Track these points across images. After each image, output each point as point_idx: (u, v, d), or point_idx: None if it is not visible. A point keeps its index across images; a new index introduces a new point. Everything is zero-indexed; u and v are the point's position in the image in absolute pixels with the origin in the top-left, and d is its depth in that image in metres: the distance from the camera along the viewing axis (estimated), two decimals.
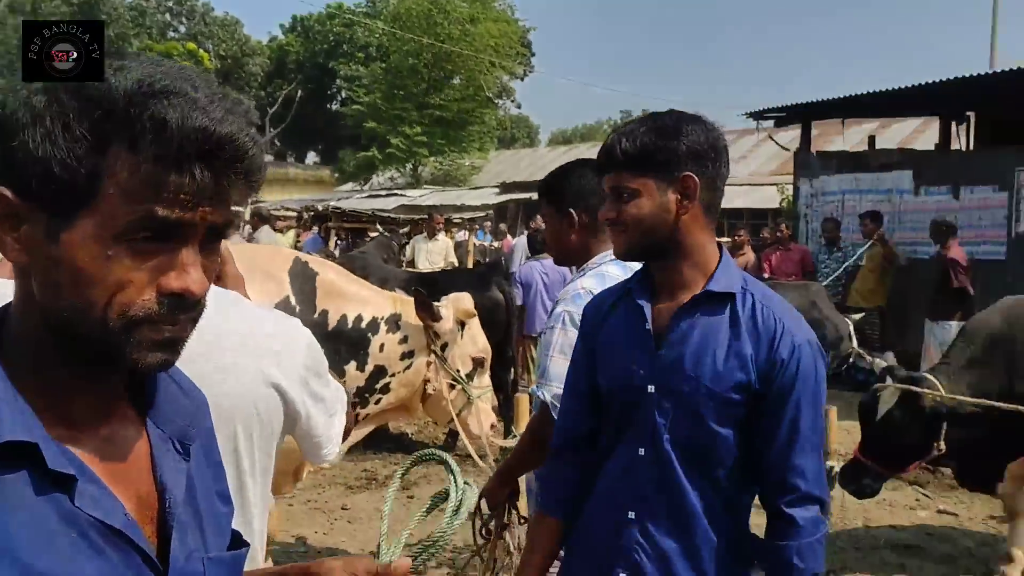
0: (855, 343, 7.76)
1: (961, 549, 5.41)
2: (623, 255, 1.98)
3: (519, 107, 50.26)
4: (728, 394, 1.83)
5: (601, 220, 2.03)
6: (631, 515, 1.91)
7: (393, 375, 4.15)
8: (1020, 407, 4.21)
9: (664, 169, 1.85)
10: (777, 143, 15.37)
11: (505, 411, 6.52)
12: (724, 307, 1.87)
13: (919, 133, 21.32)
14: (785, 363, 1.81)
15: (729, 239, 11.76)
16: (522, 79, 38.01)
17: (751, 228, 18.28)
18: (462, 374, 4.22)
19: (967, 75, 10.37)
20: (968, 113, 13.42)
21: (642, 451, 1.90)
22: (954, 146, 13.28)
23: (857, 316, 8.27)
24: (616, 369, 1.96)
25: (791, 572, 1.81)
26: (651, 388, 1.88)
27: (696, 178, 1.85)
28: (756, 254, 11.14)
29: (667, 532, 1.88)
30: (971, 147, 13.29)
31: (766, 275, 9.83)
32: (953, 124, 13.36)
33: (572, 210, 2.68)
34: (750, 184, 21.68)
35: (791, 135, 16.82)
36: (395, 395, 4.17)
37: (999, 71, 11.92)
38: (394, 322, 4.19)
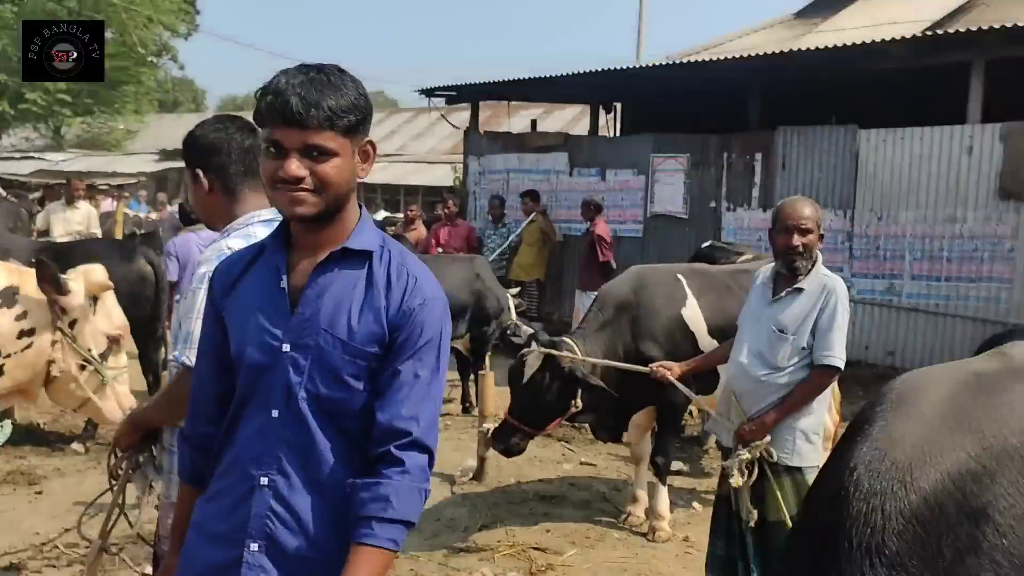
0: (514, 314, 8.24)
1: (597, 495, 5.99)
2: (312, 218, 1.84)
3: (182, 68, 46.73)
4: (364, 347, 1.84)
5: (286, 176, 1.79)
6: (264, 481, 1.84)
7: (8, 356, 3.70)
8: (640, 367, 4.70)
9: (357, 131, 1.82)
10: (450, 123, 15.86)
11: (155, 392, 6.11)
12: (363, 264, 1.88)
13: (577, 120, 23.16)
14: (414, 313, 1.85)
15: (402, 215, 11.98)
16: (186, 38, 35.25)
17: (428, 205, 18.83)
18: (95, 353, 3.86)
19: (615, 67, 11.40)
20: (616, 103, 14.81)
21: (276, 413, 1.85)
22: (603, 132, 14.58)
23: (514, 291, 8.80)
24: (248, 330, 1.89)
25: (385, 510, 1.76)
26: (286, 348, 1.84)
27: (373, 143, 1.88)
28: (427, 229, 11.43)
29: (304, 495, 1.84)
30: (617, 133, 14.69)
31: (435, 250, 10.13)
32: (603, 111, 14.65)
33: (200, 172, 2.55)
34: (427, 162, 22.17)
35: (466, 115, 17.52)
36: (11, 378, 3.73)
37: (642, 65, 13.27)
38: (9, 295, 3.74)
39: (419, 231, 11.24)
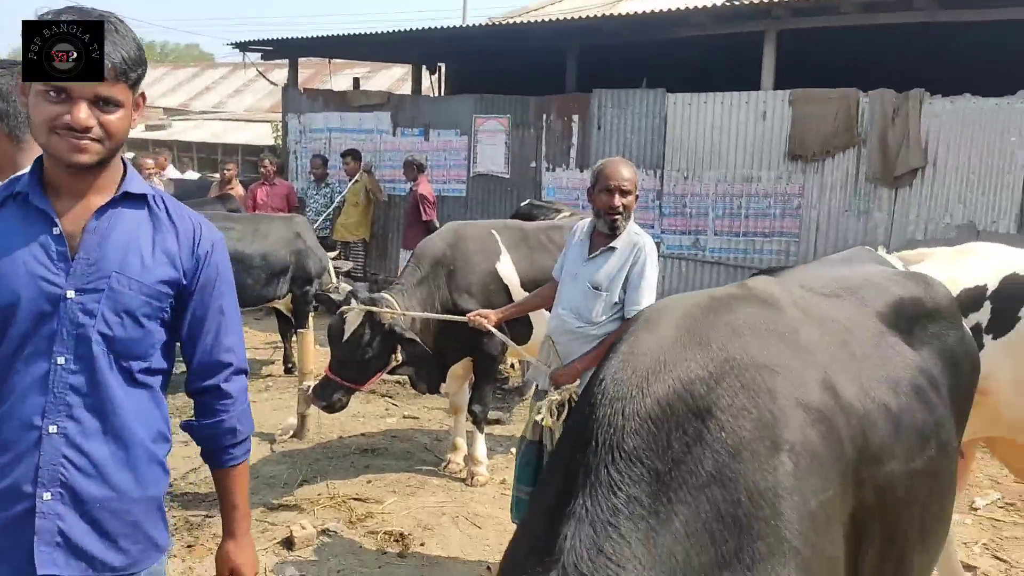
0: (334, 277, 8.19)
1: (418, 446, 6.15)
2: (92, 166, 1.84)
3: None
4: (158, 287, 1.91)
5: (73, 124, 1.75)
6: (52, 429, 1.82)
7: None
8: (458, 317, 4.85)
9: (139, 83, 1.86)
10: (268, 79, 15.36)
11: None
12: (142, 207, 1.94)
13: (403, 81, 22.96)
14: (208, 256, 1.99)
15: (219, 174, 11.55)
16: None
17: (248, 164, 18.19)
18: None
19: (438, 27, 11.41)
20: (440, 64, 14.81)
21: (62, 360, 1.83)
22: (428, 93, 14.57)
23: (333, 254, 8.74)
24: (18, 280, 1.83)
25: (235, 437, 2.06)
26: (71, 294, 1.83)
27: (144, 94, 1.91)
28: (245, 189, 11.10)
29: (100, 440, 1.85)
30: (441, 93, 14.72)
31: (253, 210, 9.87)
32: (427, 72, 14.63)
33: None
34: (245, 119, 21.36)
35: (286, 73, 17.00)
36: None
37: (464, 26, 13.31)
38: None
39: (236, 190, 10.90)
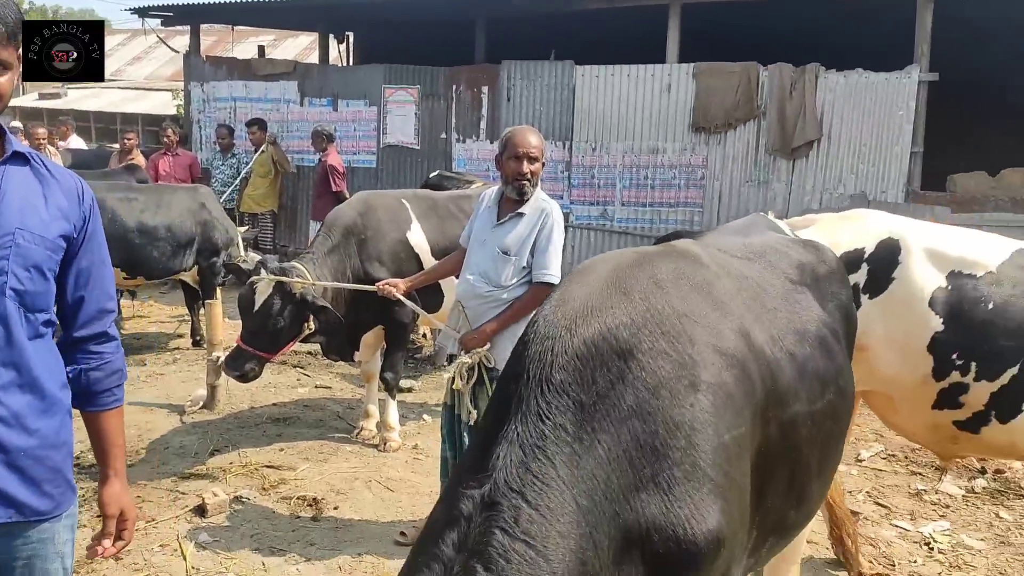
0: (242, 250, 8.06)
1: (331, 414, 6.18)
2: None
3: None
4: (57, 241, 1.98)
5: None
6: None
7: None
8: (368, 286, 4.89)
9: (20, 45, 1.89)
10: (168, 46, 14.88)
11: None
12: (26, 167, 1.98)
13: (311, 51, 22.51)
14: (91, 210, 2.08)
15: (118, 144, 11.17)
16: None
17: (149, 135, 17.59)
18: None
19: None
20: (348, 33, 14.61)
21: None
22: (335, 61, 14.35)
23: (243, 229, 8.60)
24: None
25: (120, 378, 2.16)
26: None
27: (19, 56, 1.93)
28: (146, 159, 10.78)
29: (16, 391, 1.91)
30: (349, 63, 14.54)
31: (156, 182, 9.61)
32: (334, 41, 14.41)
33: None
34: (145, 88, 20.64)
35: (188, 40, 16.48)
36: None
37: None
38: None
39: (137, 160, 10.56)
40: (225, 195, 10.13)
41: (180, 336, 8.31)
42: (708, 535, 1.81)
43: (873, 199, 8.89)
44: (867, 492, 5.13)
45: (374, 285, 4.68)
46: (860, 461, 5.58)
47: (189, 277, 7.92)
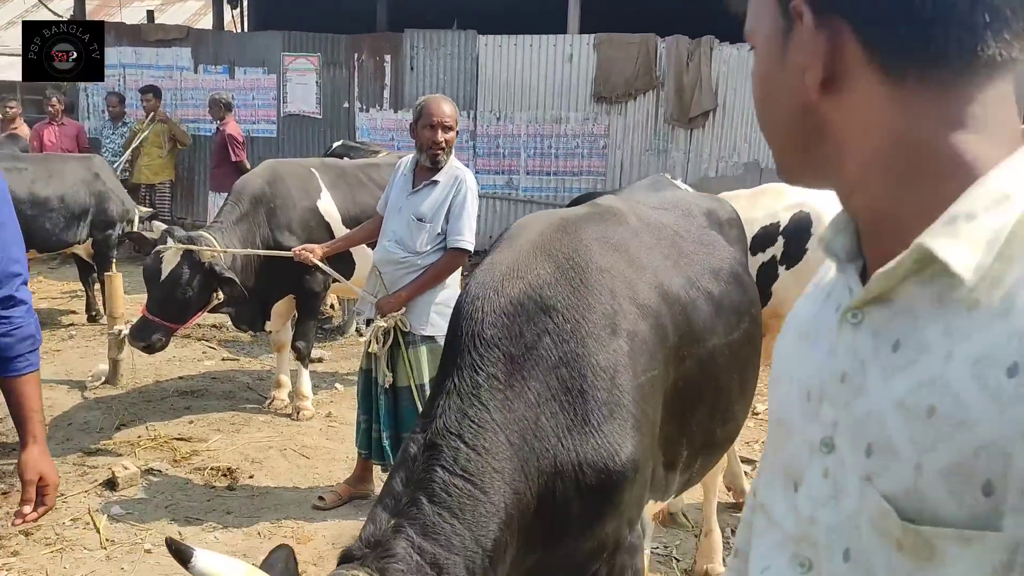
0: (137, 221, 7.79)
1: (241, 385, 6.11)
2: None
3: None
4: None
5: None
6: None
7: None
8: (283, 252, 4.86)
9: None
10: (51, 10, 14.14)
11: None
12: None
13: (201, 15, 21.71)
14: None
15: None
16: None
17: (32, 103, 16.69)
18: None
19: None
20: None
21: None
22: (229, 28, 13.93)
23: (145, 210, 8.30)
24: None
25: (34, 344, 2.15)
26: None
27: None
28: (30, 128, 10.28)
29: None
30: (245, 29, 14.13)
31: (40, 152, 9.19)
32: (227, 6, 13.97)
33: None
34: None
35: (71, 3, 15.67)
36: None
37: None
38: None
39: (21, 129, 10.08)
40: (117, 165, 9.76)
41: (73, 312, 8.02)
42: (630, 463, 2.02)
43: (765, 167, 9.27)
44: (761, 442, 5.42)
45: (291, 250, 4.67)
46: (756, 414, 5.88)
47: (83, 250, 7.64)
